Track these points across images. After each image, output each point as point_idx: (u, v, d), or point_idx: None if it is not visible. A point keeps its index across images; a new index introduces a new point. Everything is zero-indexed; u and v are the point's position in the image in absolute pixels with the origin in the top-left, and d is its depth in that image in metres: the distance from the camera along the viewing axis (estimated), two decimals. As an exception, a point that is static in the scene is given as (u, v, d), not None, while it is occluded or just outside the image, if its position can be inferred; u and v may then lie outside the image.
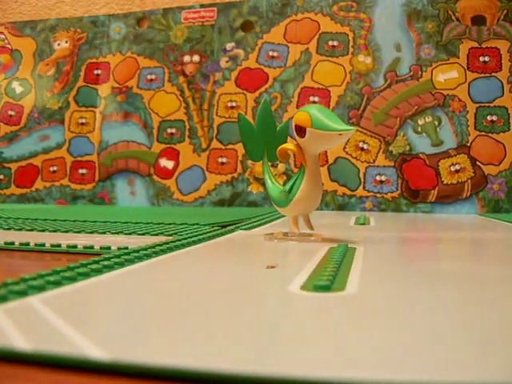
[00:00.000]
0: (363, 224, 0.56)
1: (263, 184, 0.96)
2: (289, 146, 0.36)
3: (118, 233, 0.41)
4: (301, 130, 0.34)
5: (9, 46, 1.13)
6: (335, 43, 0.95)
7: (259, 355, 0.13)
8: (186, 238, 0.35)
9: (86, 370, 0.12)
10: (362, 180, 0.91)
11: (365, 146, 0.91)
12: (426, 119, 0.90)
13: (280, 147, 0.37)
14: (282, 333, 0.15)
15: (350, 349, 0.13)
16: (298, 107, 0.95)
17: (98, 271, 0.23)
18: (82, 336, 0.14)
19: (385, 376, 0.11)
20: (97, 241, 0.36)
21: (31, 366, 0.12)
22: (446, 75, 0.90)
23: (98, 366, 0.12)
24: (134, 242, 0.35)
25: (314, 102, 0.96)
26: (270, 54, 0.97)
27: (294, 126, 0.35)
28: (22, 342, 0.13)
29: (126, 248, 0.30)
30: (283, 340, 0.14)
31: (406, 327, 0.15)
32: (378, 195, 0.90)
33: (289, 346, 0.13)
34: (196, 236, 0.37)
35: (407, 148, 0.90)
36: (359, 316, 0.16)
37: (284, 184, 0.38)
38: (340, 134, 0.32)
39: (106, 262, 0.24)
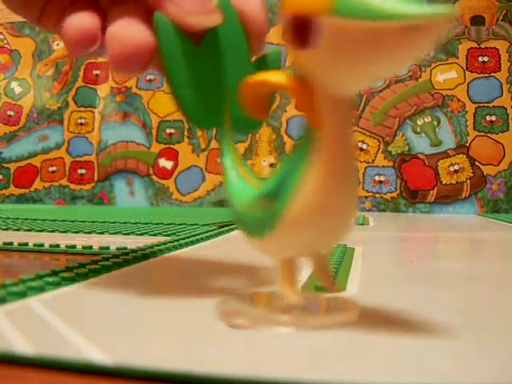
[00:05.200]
0: (362, 224, 0.56)
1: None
2: (272, 76, 0.15)
3: (116, 233, 0.41)
4: (303, 29, 0.13)
5: (8, 47, 1.13)
6: (334, 43, 0.95)
7: (262, 358, 0.13)
8: (184, 239, 0.35)
9: (89, 373, 0.12)
10: (361, 180, 0.91)
11: (364, 146, 0.91)
12: (425, 119, 0.90)
13: (250, 79, 0.15)
14: (285, 334, 0.15)
15: (353, 350, 0.13)
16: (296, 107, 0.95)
17: (97, 272, 0.23)
18: (83, 338, 0.14)
19: (386, 378, 0.11)
20: (96, 241, 0.36)
21: (31, 368, 0.12)
22: (445, 75, 0.90)
23: (102, 369, 0.12)
24: (132, 242, 0.35)
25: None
26: (269, 54, 0.97)
27: (285, 22, 0.13)
28: (22, 345, 0.13)
29: (125, 248, 0.30)
30: (285, 341, 0.14)
31: (407, 328, 0.15)
32: (377, 195, 0.90)
33: (291, 347, 0.13)
34: (195, 236, 0.37)
35: (406, 148, 0.90)
36: (361, 317, 0.16)
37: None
38: (413, 28, 0.11)
39: (104, 263, 0.24)
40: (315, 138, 0.14)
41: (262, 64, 0.19)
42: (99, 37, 0.18)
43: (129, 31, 0.18)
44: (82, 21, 0.18)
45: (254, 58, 0.19)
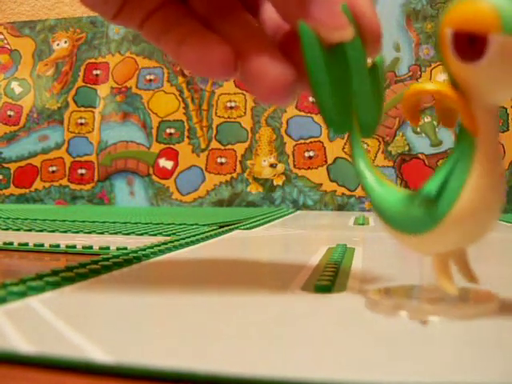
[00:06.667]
0: (362, 224, 0.56)
1: (262, 184, 0.96)
2: (438, 86, 0.16)
3: (116, 233, 0.41)
4: (468, 44, 0.14)
5: (8, 47, 1.13)
6: (334, 43, 0.95)
7: (263, 357, 0.13)
8: (184, 238, 0.35)
9: (89, 372, 0.12)
10: (361, 180, 0.91)
11: (364, 146, 0.91)
12: (425, 119, 0.90)
13: (410, 90, 0.16)
14: (285, 334, 0.15)
15: (353, 350, 0.13)
16: (296, 107, 0.95)
17: (97, 272, 0.23)
18: (84, 338, 0.14)
19: (385, 378, 0.11)
20: (96, 241, 0.36)
21: (32, 367, 0.12)
22: (446, 75, 0.90)
23: (103, 368, 0.12)
24: (132, 242, 0.35)
25: (314, 103, 0.95)
26: (269, 54, 0.97)
27: (449, 38, 0.15)
28: (23, 344, 0.13)
29: (125, 248, 0.30)
30: (286, 341, 0.14)
31: (407, 328, 0.15)
32: (377, 195, 0.90)
33: (292, 348, 0.13)
34: (195, 236, 0.37)
35: (406, 148, 0.90)
36: (361, 317, 0.16)
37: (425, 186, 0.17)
38: None
39: (104, 263, 0.24)
40: (473, 145, 0.15)
41: (374, 70, 0.19)
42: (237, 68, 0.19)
43: (275, 70, 0.18)
44: (222, 52, 0.19)
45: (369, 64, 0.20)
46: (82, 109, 1.07)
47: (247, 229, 0.47)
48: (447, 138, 0.89)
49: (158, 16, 0.21)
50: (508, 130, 0.87)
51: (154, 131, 1.02)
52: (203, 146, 0.99)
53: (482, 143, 0.15)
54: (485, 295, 0.18)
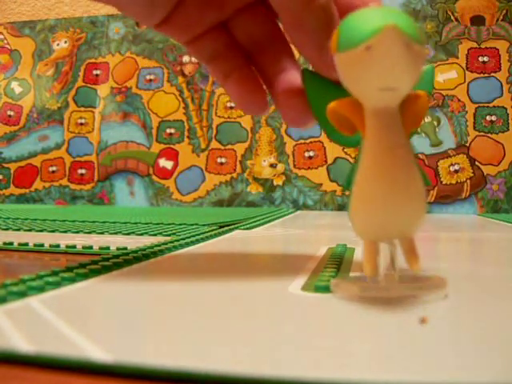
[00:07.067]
0: (362, 224, 0.56)
1: (262, 184, 0.96)
2: (334, 103, 0.18)
3: (116, 233, 0.41)
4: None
5: (8, 47, 1.13)
6: (334, 43, 0.95)
7: (263, 357, 0.13)
8: (184, 239, 0.35)
9: (89, 371, 0.12)
10: (361, 180, 0.91)
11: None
12: (425, 119, 0.90)
13: (329, 106, 0.18)
14: (285, 334, 0.15)
15: (352, 349, 0.13)
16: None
17: (97, 272, 0.23)
18: (83, 337, 0.14)
19: (385, 377, 0.11)
20: (96, 241, 0.36)
21: (32, 367, 0.12)
22: (445, 75, 0.90)
23: (103, 367, 0.12)
24: (132, 242, 0.35)
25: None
26: (269, 54, 0.97)
27: None
28: (23, 344, 0.13)
29: (125, 248, 0.30)
30: (286, 341, 0.14)
31: (406, 327, 0.15)
32: (377, 195, 0.90)
33: (291, 347, 0.13)
34: (195, 236, 0.37)
35: (406, 148, 0.90)
36: (361, 317, 0.16)
37: None
38: (368, 48, 0.15)
39: (104, 263, 0.24)
40: (362, 141, 0.18)
41: None
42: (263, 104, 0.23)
43: (296, 108, 0.22)
44: (259, 101, 0.23)
45: None
46: (82, 109, 1.07)
47: (247, 229, 0.47)
48: (447, 137, 0.89)
49: (207, 39, 0.23)
50: (508, 130, 0.87)
51: (154, 131, 1.02)
52: (203, 145, 0.99)
53: (367, 139, 0.17)
54: (433, 280, 0.19)
